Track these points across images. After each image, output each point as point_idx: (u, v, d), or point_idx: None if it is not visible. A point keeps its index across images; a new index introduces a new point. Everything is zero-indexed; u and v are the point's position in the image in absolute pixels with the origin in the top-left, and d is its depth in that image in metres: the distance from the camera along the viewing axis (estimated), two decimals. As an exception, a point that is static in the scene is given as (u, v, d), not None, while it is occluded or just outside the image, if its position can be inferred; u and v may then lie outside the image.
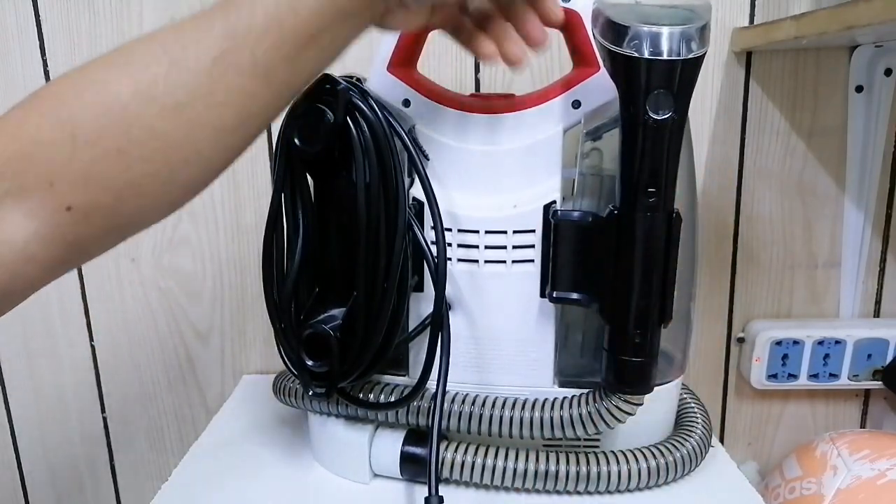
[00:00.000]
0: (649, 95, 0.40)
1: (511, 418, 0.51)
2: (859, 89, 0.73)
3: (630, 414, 0.49)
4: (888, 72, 0.72)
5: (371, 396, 0.53)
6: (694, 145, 0.74)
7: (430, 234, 0.50)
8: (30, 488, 0.87)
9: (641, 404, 0.49)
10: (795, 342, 0.75)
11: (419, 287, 0.51)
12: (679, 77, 0.40)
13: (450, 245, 0.50)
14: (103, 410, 0.84)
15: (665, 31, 0.39)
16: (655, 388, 0.49)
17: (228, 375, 0.83)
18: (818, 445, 0.70)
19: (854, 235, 0.76)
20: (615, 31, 0.40)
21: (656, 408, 0.53)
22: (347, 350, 0.48)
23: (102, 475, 0.86)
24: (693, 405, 0.59)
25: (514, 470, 0.51)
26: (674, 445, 0.53)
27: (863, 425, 0.82)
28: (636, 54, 0.39)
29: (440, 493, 0.48)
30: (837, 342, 0.75)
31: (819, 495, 0.64)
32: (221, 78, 0.34)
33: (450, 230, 0.50)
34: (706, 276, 0.78)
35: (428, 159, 0.51)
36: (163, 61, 0.34)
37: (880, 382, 0.76)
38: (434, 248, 0.49)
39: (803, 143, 0.74)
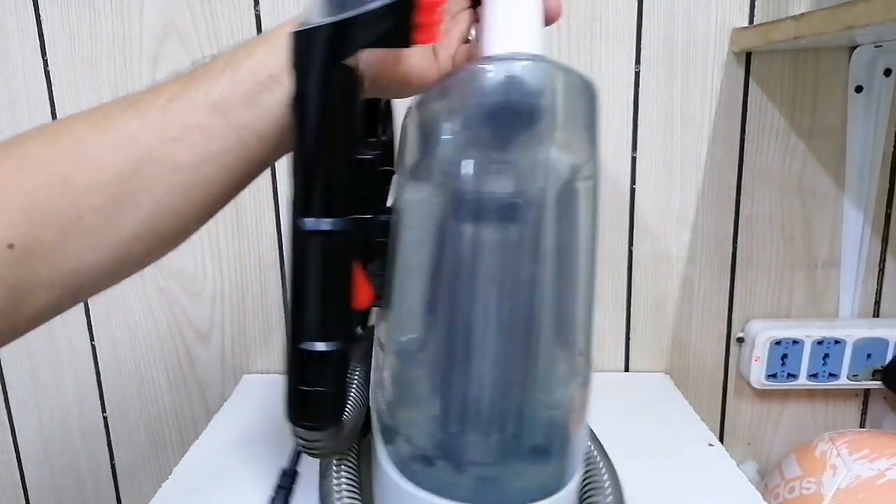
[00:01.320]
0: None
1: None
2: (859, 89, 0.73)
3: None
4: (888, 72, 0.72)
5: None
6: (694, 145, 0.75)
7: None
8: (30, 488, 0.87)
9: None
10: (795, 342, 0.75)
11: None
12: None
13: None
14: (104, 410, 0.84)
15: None
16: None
17: (228, 375, 0.83)
18: (818, 445, 0.70)
19: (854, 235, 0.76)
20: None
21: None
22: None
23: (102, 474, 0.86)
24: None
25: None
26: None
27: (862, 425, 0.82)
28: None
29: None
30: (837, 342, 0.75)
31: (818, 495, 0.64)
32: (177, 113, 0.33)
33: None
34: (706, 277, 0.78)
35: None
36: (119, 101, 0.34)
37: (880, 382, 0.76)
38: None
39: (803, 143, 0.74)
